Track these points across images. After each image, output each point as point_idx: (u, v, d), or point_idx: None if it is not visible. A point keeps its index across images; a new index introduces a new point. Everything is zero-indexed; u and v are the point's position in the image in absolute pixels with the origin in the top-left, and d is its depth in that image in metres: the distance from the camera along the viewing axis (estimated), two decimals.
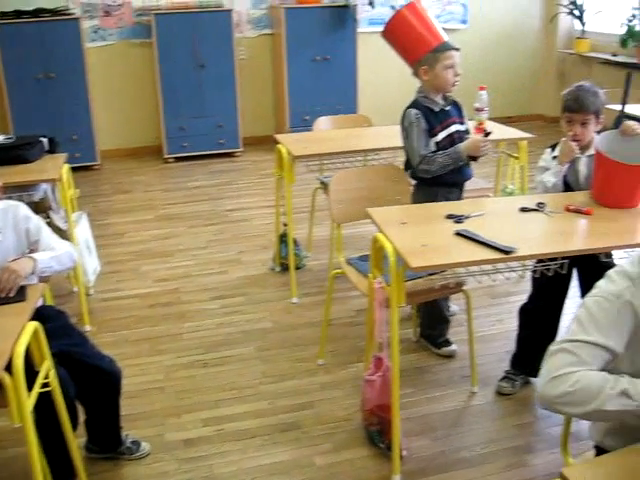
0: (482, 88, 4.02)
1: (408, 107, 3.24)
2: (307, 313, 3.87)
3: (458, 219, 2.63)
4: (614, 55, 7.16)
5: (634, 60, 6.81)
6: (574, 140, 2.81)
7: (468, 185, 3.47)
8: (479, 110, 4.00)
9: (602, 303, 1.59)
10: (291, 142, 4.00)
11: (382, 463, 2.69)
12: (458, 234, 2.48)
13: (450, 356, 3.40)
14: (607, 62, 7.18)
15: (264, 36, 7.34)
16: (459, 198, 3.34)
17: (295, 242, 4.29)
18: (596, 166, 2.79)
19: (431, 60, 3.17)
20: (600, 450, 1.75)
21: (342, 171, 3.40)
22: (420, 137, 3.17)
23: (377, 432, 2.74)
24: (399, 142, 3.36)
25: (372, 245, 2.59)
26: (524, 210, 2.74)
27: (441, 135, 3.23)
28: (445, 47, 3.19)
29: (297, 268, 4.29)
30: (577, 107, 2.80)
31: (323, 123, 4.49)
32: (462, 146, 3.19)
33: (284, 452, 2.78)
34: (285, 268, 4.28)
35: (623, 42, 6.96)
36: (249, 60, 7.29)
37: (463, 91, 3.45)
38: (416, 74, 3.27)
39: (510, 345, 3.22)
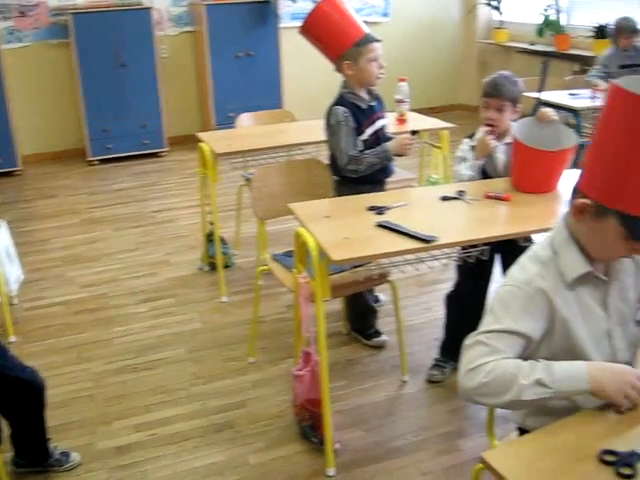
0: (402, 80, 4.08)
1: (334, 104, 3.21)
2: (237, 311, 3.84)
3: (380, 211, 2.64)
4: (532, 44, 7.33)
5: (551, 48, 6.98)
6: (489, 125, 2.86)
7: (393, 176, 3.50)
8: (400, 102, 4.06)
9: (513, 291, 1.61)
10: (214, 140, 3.95)
11: (316, 457, 2.69)
12: (380, 225, 2.49)
13: (380, 347, 3.42)
14: (525, 51, 7.35)
15: (186, 34, 7.25)
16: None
17: (223, 240, 4.25)
18: (514, 153, 2.84)
19: (354, 54, 3.14)
20: (523, 431, 1.78)
21: (263, 167, 3.38)
22: (348, 136, 3.14)
23: (309, 427, 2.74)
24: (323, 136, 3.35)
25: (295, 240, 2.58)
26: (445, 199, 2.77)
27: (367, 132, 3.23)
28: (367, 40, 3.16)
29: (226, 267, 4.25)
30: (493, 92, 2.85)
31: (246, 120, 4.46)
32: (389, 145, 3.20)
33: (218, 453, 2.76)
34: (214, 267, 4.23)
35: (540, 31, 7.13)
36: (171, 58, 7.19)
37: (386, 84, 3.46)
38: (339, 70, 3.24)
39: (439, 333, 3.26)
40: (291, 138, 4.05)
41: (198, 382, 3.23)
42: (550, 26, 7.02)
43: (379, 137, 3.27)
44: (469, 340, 1.61)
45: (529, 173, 2.77)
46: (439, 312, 3.40)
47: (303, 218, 2.60)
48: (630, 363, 1.67)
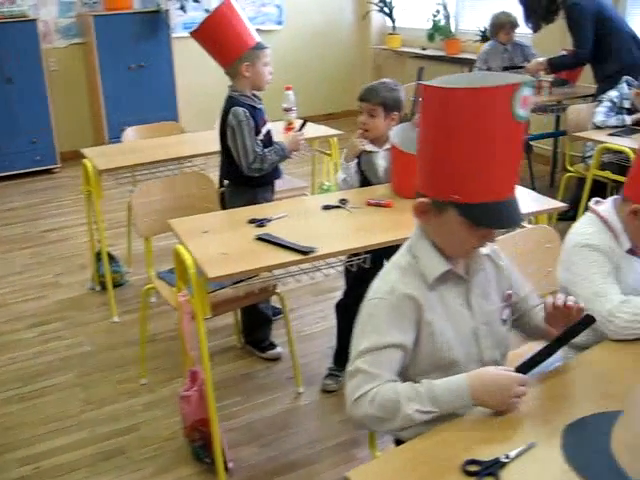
0: (288, 88, 4.06)
1: (230, 106, 3.21)
2: (129, 331, 3.73)
3: (260, 223, 2.60)
4: (423, 49, 7.46)
5: (442, 53, 7.12)
6: (362, 129, 2.88)
7: (285, 185, 3.49)
8: (287, 110, 4.04)
9: (377, 303, 1.59)
10: (98, 155, 3.83)
11: (209, 478, 2.62)
12: (259, 238, 2.46)
13: (276, 359, 3.38)
14: (417, 56, 7.47)
15: (75, 45, 7.03)
16: (273, 196, 3.40)
17: (113, 258, 4.13)
18: (393, 159, 2.86)
19: (253, 57, 3.20)
20: (399, 442, 1.77)
21: (145, 183, 3.30)
22: (251, 135, 3.17)
23: (201, 447, 2.67)
24: (212, 147, 3.31)
25: (174, 258, 2.52)
26: (327, 208, 2.76)
27: (262, 133, 3.26)
28: (262, 45, 3.26)
29: (118, 285, 4.13)
30: (366, 97, 2.90)
31: (132, 133, 4.35)
32: (284, 143, 3.27)
33: None
34: (105, 287, 4.10)
35: (430, 36, 7.25)
36: (61, 71, 6.97)
37: (279, 90, 3.48)
38: (234, 72, 3.25)
39: (333, 341, 3.24)
40: (178, 151, 3.96)
41: (88, 408, 3.11)
42: (440, 31, 7.16)
43: (270, 138, 3.33)
44: (349, 367, 1.59)
45: (408, 178, 2.76)
46: (333, 321, 3.38)
47: (181, 234, 2.54)
48: (498, 362, 1.68)
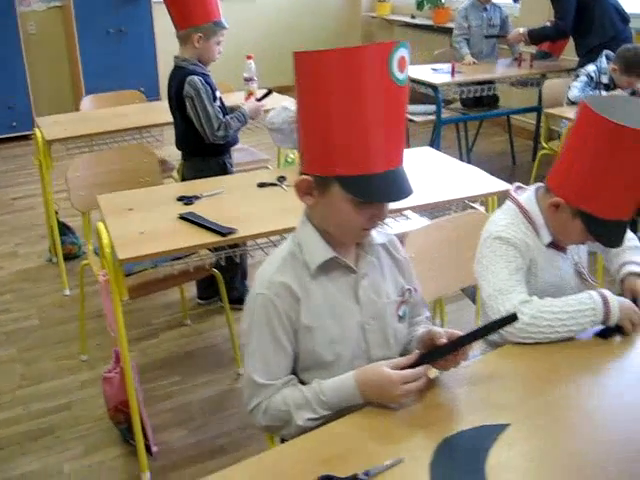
0: (249, 57, 3.91)
1: (185, 75, 3.12)
2: (79, 305, 3.64)
3: (188, 201, 2.50)
4: (412, 17, 7.28)
5: (430, 22, 6.94)
6: None
7: (247, 157, 3.40)
8: (248, 80, 3.90)
9: (255, 300, 1.48)
10: (51, 124, 3.74)
11: (134, 462, 2.55)
12: (182, 218, 2.36)
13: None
14: (407, 24, 7.29)
15: (54, 9, 6.89)
16: (231, 163, 3.37)
17: (69, 229, 4.04)
18: None
19: (209, 31, 3.13)
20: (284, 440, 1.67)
21: (82, 156, 3.19)
22: (211, 102, 3.11)
23: (127, 429, 2.60)
24: (165, 118, 3.31)
25: (97, 235, 2.42)
26: (262, 185, 2.65)
27: (217, 99, 3.20)
28: (222, 25, 3.18)
29: (75, 257, 4.05)
30: None
31: (90, 102, 4.23)
32: (245, 109, 3.23)
33: (32, 462, 2.59)
34: (64, 258, 4.01)
35: (419, 5, 7.06)
36: (39, 35, 6.84)
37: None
38: (184, 38, 3.17)
39: None
40: (135, 121, 3.85)
41: (25, 384, 3.04)
42: (429, 0, 6.97)
43: (224, 105, 3.28)
44: (244, 374, 1.52)
45: None
46: None
47: (106, 211, 2.44)
48: (387, 359, 1.57)
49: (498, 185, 2.76)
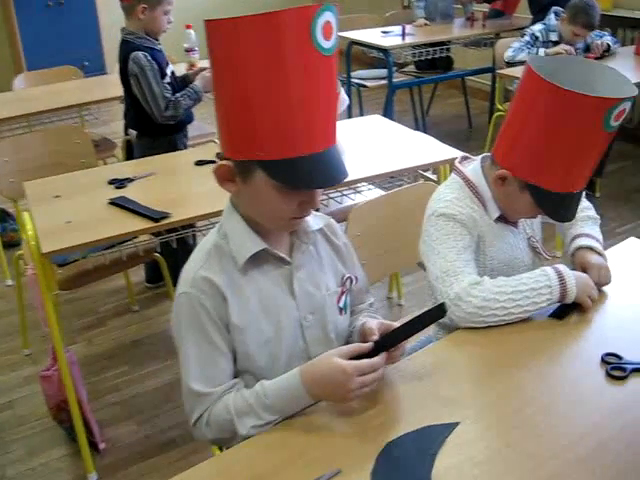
0: (188, 27, 3.73)
1: (128, 51, 2.96)
2: (23, 295, 3.47)
3: (120, 184, 2.34)
4: None
5: None
6: None
7: (193, 132, 3.25)
8: (189, 51, 3.73)
9: (181, 302, 1.33)
10: None
11: (79, 461, 2.42)
12: (112, 203, 2.20)
13: None
14: None
15: None
16: (187, 140, 3.24)
17: (9, 215, 3.84)
18: None
19: (154, 1, 2.96)
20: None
21: (8, 139, 3.00)
22: (158, 80, 2.93)
23: (71, 428, 2.46)
24: (114, 92, 3.21)
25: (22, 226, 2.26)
26: (200, 163, 2.50)
27: (167, 76, 3.04)
28: None
29: (17, 244, 3.85)
30: None
31: (22, 81, 4.01)
32: (197, 84, 3.06)
33: None
34: (8, 245, 3.83)
35: None
36: None
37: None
38: (129, 9, 3.01)
39: None
40: (70, 99, 3.64)
41: None
42: None
43: (176, 80, 3.12)
44: (182, 384, 1.36)
45: None
46: None
47: (31, 199, 2.28)
48: None
49: (450, 152, 2.65)
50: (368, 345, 1.31)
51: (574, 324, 1.54)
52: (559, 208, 1.55)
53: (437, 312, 1.29)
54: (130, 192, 2.28)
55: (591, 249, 1.72)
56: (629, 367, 1.37)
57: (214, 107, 1.30)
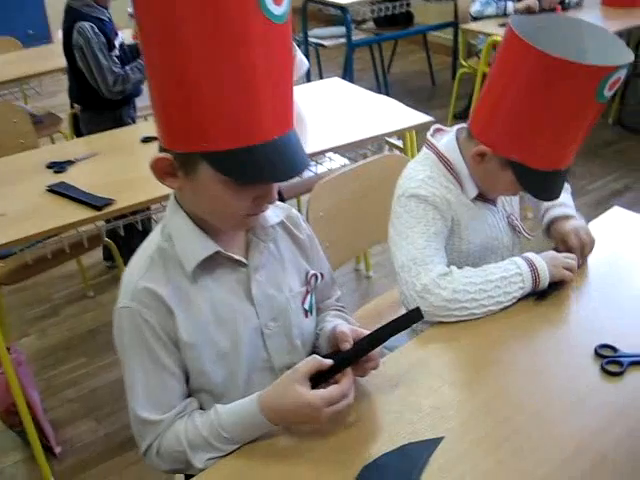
0: None
1: (74, 20, 2.74)
2: None
3: (60, 168, 2.14)
4: None
5: None
6: None
7: (143, 102, 3.06)
8: (133, 16, 3.49)
9: (121, 315, 1.16)
10: None
11: (36, 466, 2.26)
12: (51, 190, 2.01)
13: None
14: None
15: None
16: (136, 113, 3.08)
17: None
18: None
19: None
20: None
21: None
22: (105, 53, 2.74)
23: (23, 432, 2.29)
24: (56, 64, 3.03)
25: None
26: (146, 140, 2.31)
27: (116, 48, 2.85)
28: None
29: None
30: None
31: None
32: None
33: None
34: None
35: None
36: None
37: None
38: None
39: None
40: (5, 73, 3.39)
41: None
42: None
43: (125, 52, 2.92)
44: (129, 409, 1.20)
45: None
46: None
47: None
48: (290, 366, 1.29)
49: (416, 118, 2.49)
50: (328, 362, 1.14)
51: (561, 311, 1.41)
52: (544, 187, 1.40)
53: (412, 316, 1.16)
54: (71, 177, 2.09)
55: (567, 218, 1.59)
56: (626, 361, 1.24)
57: (149, 88, 1.10)
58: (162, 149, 1.09)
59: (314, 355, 1.16)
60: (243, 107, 1.00)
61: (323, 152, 2.37)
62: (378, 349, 1.18)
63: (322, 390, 1.10)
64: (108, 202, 1.91)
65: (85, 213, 1.90)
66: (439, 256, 1.43)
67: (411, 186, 1.48)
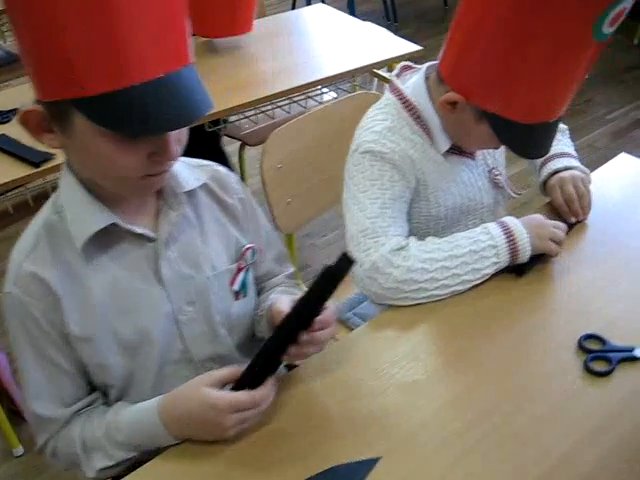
0: None
1: None
2: None
3: (5, 117, 1.93)
4: None
5: None
6: None
7: None
8: None
9: (4, 303, 0.98)
10: None
11: (1, 436, 2.14)
12: None
13: None
14: None
15: None
16: None
17: None
18: None
19: None
20: None
21: None
22: None
23: None
24: None
25: None
26: None
27: None
28: None
29: None
30: None
31: None
32: None
33: None
34: None
35: None
36: None
37: None
38: None
39: None
40: None
41: None
42: None
43: None
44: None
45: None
46: None
47: None
48: (222, 360, 1.10)
49: (405, 47, 2.24)
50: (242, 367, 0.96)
51: (542, 290, 1.19)
52: (529, 142, 1.14)
53: (340, 268, 0.89)
54: (16, 128, 1.87)
55: (568, 170, 1.36)
56: (615, 357, 1.02)
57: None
58: (36, 101, 0.87)
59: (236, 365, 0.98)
60: (115, 40, 0.78)
61: (306, 86, 2.13)
62: (330, 310, 0.97)
63: (230, 393, 0.93)
64: (46, 157, 1.70)
65: (23, 170, 1.70)
66: (395, 226, 1.20)
67: (366, 139, 1.24)
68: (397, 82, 1.29)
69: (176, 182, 1.02)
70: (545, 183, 1.38)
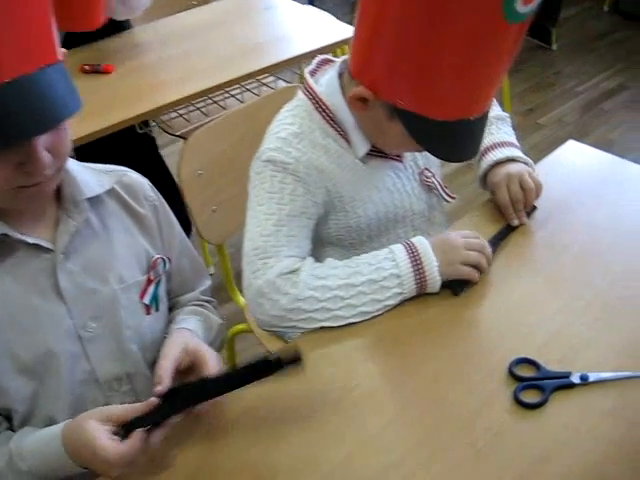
0: None
1: None
2: None
3: None
4: None
5: None
6: None
7: None
8: None
9: None
10: None
11: None
12: None
13: None
14: None
15: None
16: None
17: None
18: None
19: None
20: None
21: None
22: None
23: None
24: None
25: None
26: None
27: None
28: None
29: None
30: None
31: None
32: None
33: None
34: None
35: None
36: None
37: None
38: None
39: None
40: None
41: None
42: None
43: None
44: None
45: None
46: None
47: None
48: (130, 380, 1.01)
49: (346, 31, 2.10)
50: (146, 405, 0.85)
51: (475, 304, 1.06)
52: (448, 142, 1.01)
53: (264, 369, 0.83)
54: None
55: (513, 161, 1.23)
56: (548, 385, 0.90)
57: None
58: None
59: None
60: None
61: (256, 74, 1.99)
62: None
63: (121, 444, 0.82)
64: None
65: None
66: (290, 246, 1.06)
67: (269, 147, 1.10)
68: (309, 79, 1.15)
69: (76, 188, 0.94)
70: (485, 176, 1.26)
